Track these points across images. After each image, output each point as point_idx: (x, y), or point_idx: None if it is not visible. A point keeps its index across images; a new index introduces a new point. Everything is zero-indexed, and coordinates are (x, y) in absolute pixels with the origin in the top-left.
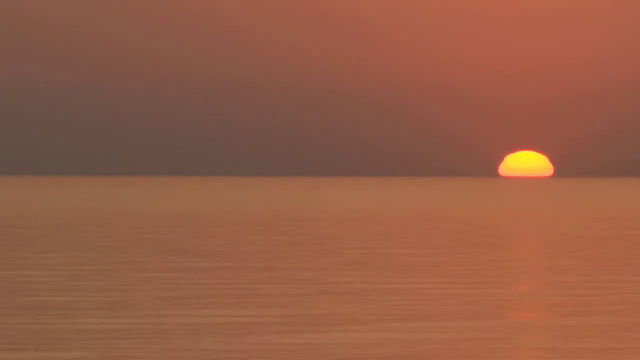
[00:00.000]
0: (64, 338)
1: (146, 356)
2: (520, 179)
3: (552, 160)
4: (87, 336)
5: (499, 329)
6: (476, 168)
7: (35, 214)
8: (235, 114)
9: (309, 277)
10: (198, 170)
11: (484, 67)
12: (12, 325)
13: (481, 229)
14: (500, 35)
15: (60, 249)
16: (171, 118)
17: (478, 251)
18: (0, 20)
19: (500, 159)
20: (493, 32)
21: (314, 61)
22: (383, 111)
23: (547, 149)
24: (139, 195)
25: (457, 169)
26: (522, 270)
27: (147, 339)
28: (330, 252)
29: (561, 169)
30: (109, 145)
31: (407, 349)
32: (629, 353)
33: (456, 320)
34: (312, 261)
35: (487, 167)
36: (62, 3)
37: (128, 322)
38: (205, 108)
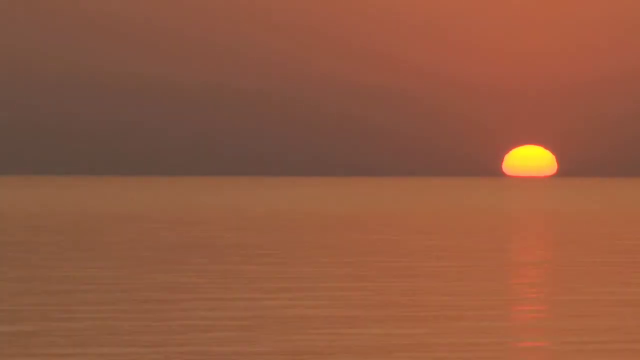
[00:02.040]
0: None
1: None
2: (535, 178)
3: (558, 157)
4: None
5: None
6: (476, 166)
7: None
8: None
9: None
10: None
11: (484, 56)
12: None
13: None
14: (501, 22)
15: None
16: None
17: None
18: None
19: (501, 157)
20: (494, 19)
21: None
22: (378, 106)
23: (550, 144)
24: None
25: (456, 168)
26: None
27: None
28: None
29: (565, 167)
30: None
31: None
32: None
33: None
34: None
35: (488, 165)
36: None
37: None
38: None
